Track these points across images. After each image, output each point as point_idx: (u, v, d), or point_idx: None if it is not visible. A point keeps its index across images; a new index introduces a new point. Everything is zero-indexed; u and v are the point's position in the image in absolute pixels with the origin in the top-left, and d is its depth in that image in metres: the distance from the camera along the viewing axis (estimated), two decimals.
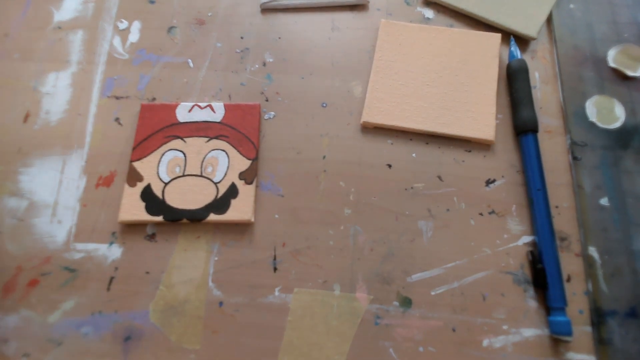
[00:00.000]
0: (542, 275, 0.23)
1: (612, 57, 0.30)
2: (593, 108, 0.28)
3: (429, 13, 0.32)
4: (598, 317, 0.23)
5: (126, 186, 0.27)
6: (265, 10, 0.34)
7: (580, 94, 0.29)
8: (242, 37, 0.33)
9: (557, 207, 0.26)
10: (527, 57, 0.30)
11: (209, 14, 0.34)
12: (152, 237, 0.26)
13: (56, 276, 0.26)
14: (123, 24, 0.33)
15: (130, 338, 0.24)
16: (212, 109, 0.29)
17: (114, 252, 0.26)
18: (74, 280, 0.26)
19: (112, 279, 0.26)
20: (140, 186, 0.27)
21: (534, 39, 0.30)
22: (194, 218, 0.26)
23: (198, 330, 0.24)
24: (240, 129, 0.29)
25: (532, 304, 0.24)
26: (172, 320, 0.24)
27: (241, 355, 0.24)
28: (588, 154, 0.27)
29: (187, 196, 0.27)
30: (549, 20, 0.31)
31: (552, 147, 0.27)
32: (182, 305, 0.25)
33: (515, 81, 0.28)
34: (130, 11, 0.34)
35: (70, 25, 0.34)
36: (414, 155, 0.28)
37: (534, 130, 0.26)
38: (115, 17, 0.34)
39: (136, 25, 0.33)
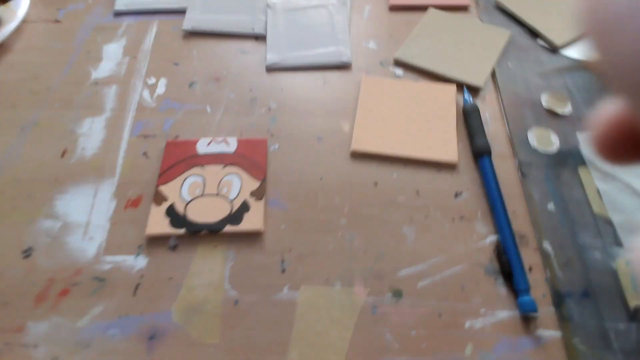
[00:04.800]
0: (507, 265, 0.27)
1: (545, 100, 0.37)
2: (533, 137, 0.34)
3: (399, 71, 0.40)
4: (558, 299, 0.26)
5: (153, 205, 0.30)
6: (270, 70, 0.40)
7: (522, 127, 0.35)
8: (250, 90, 0.39)
9: (513, 211, 0.30)
10: (478, 101, 0.37)
11: (224, 73, 0.40)
12: (174, 248, 0.29)
13: (86, 285, 0.28)
14: (151, 80, 0.39)
15: (154, 337, 0.26)
16: (227, 143, 0.34)
17: (140, 262, 0.29)
18: (103, 289, 0.28)
19: (137, 285, 0.28)
20: (165, 205, 0.30)
21: (481, 88, 0.37)
22: (212, 229, 0.29)
23: (216, 326, 0.26)
24: (251, 157, 0.33)
25: (503, 290, 0.27)
26: (193, 319, 0.26)
27: (256, 346, 0.25)
28: (534, 171, 0.32)
29: (205, 211, 0.30)
30: (494, 75, 0.39)
31: (505, 168, 0.33)
32: (201, 305, 0.27)
33: (469, 119, 0.34)
34: (157, 71, 0.40)
35: (106, 82, 0.39)
36: (395, 175, 0.33)
37: (488, 153, 0.32)
38: (145, 75, 0.40)
39: (162, 81, 0.39)
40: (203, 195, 0.31)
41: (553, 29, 0.41)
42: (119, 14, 0.45)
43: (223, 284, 0.28)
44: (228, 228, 0.29)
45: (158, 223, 0.30)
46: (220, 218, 0.30)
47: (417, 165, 0.33)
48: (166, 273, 0.28)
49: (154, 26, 0.44)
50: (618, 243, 0.28)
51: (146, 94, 0.38)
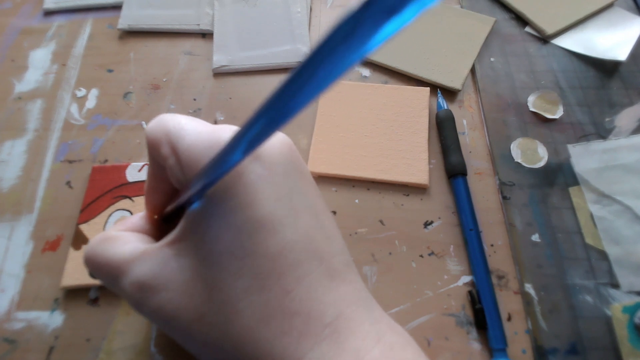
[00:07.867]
0: (481, 316, 0.22)
1: (532, 102, 0.31)
2: (517, 150, 0.29)
3: (366, 72, 0.33)
4: (540, 357, 0.22)
5: (71, 250, 0.25)
6: (217, 74, 0.34)
7: (505, 137, 0.29)
8: (194, 99, 0.33)
9: (492, 245, 0.25)
10: (455, 107, 0.31)
11: (164, 80, 0.34)
12: (94, 301, 0.24)
13: None
14: (81, 92, 0.33)
15: None
16: None
17: (56, 319, 0.24)
18: (13, 353, 0.23)
19: (51, 348, 0.23)
20: (85, 249, 0.25)
21: (459, 90, 0.31)
22: None
23: None
24: None
25: (476, 346, 0.22)
26: None
27: None
28: (517, 192, 0.27)
29: None
30: (473, 72, 0.32)
31: (483, 188, 0.27)
32: None
33: (443, 129, 0.28)
34: (89, 80, 0.34)
35: (30, 95, 0.33)
36: (357, 201, 0.27)
37: (463, 173, 0.26)
38: (74, 85, 0.34)
39: (94, 93, 0.33)
40: None
41: (544, 15, 0.34)
42: (49, 13, 0.38)
43: (148, 347, 0.23)
44: None
45: (75, 272, 0.24)
46: None
47: (382, 189, 0.28)
48: (84, 333, 0.23)
49: (87, 26, 0.37)
50: (614, 284, 0.23)
51: (74, 108, 0.32)
